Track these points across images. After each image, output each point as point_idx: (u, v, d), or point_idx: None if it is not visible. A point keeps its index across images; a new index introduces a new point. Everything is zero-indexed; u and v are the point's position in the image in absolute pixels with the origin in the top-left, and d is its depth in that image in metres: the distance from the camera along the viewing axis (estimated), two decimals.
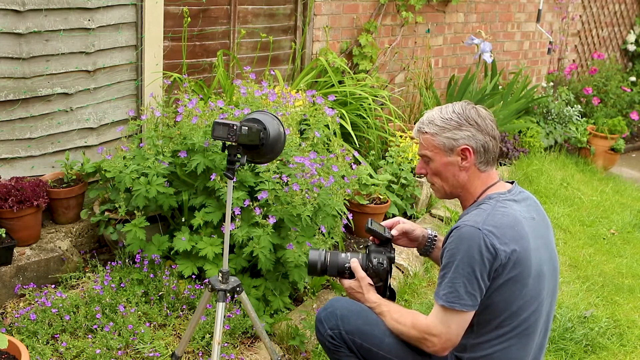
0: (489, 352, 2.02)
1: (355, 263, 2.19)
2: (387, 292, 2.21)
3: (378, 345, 2.11)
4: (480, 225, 1.94)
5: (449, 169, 2.10)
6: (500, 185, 2.12)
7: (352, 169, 3.42)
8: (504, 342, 2.02)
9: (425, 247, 2.36)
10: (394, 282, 3.54)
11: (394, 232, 2.29)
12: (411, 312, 2.13)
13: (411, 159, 4.36)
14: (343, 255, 2.23)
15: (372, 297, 2.16)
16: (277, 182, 2.94)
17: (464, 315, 1.96)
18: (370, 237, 2.26)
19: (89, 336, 2.76)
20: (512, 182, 2.16)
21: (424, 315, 2.06)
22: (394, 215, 4.24)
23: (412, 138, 4.61)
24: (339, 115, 3.97)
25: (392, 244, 2.26)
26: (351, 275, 2.20)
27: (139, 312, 2.90)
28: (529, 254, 1.98)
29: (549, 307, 2.11)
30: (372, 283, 2.17)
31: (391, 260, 2.19)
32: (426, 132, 2.11)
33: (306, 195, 2.91)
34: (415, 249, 2.44)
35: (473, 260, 1.91)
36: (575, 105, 6.68)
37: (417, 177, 4.41)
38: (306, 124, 3.41)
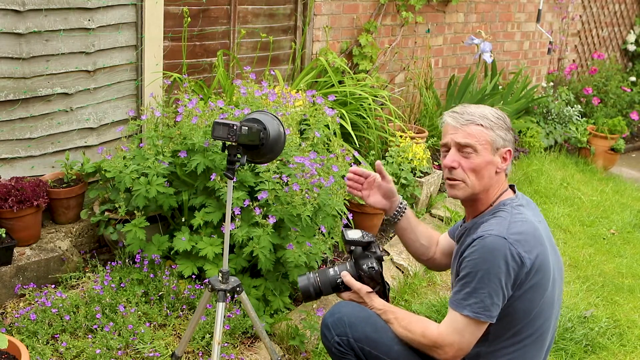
0: (505, 359, 2.02)
1: (347, 276, 2.13)
2: (386, 291, 2.20)
3: (387, 353, 2.08)
4: (505, 234, 1.91)
5: (489, 168, 2.04)
6: (509, 191, 2.12)
7: None
8: (519, 350, 2.01)
9: (394, 214, 2.32)
10: (394, 282, 3.54)
11: (356, 169, 2.26)
12: (420, 320, 2.10)
13: (411, 159, 4.36)
14: (331, 271, 2.17)
15: (376, 304, 2.12)
16: (277, 182, 2.94)
17: (482, 326, 1.95)
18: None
19: (89, 336, 2.76)
20: (512, 186, 2.15)
21: (435, 324, 2.03)
22: None
23: (412, 138, 4.62)
24: (339, 115, 3.96)
25: (375, 242, 2.20)
26: (346, 288, 2.15)
27: (139, 312, 2.90)
28: (548, 258, 1.98)
29: (558, 308, 2.11)
30: (370, 290, 2.13)
31: (380, 260, 2.15)
32: (481, 124, 2.01)
33: (306, 195, 2.91)
34: (384, 216, 2.39)
35: (499, 270, 1.88)
36: (575, 105, 6.68)
37: (418, 177, 4.41)
38: (306, 124, 3.41)
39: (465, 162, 2.03)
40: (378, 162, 2.30)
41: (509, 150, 2.06)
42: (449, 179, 2.08)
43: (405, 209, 2.34)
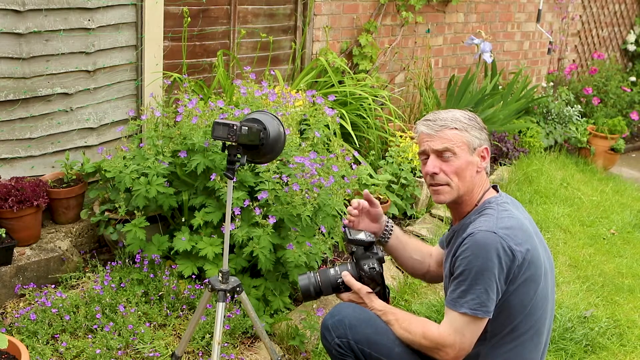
0: (504, 357, 2.02)
1: (347, 276, 2.14)
2: (386, 293, 2.20)
3: (388, 355, 2.07)
4: (494, 229, 1.93)
5: (470, 168, 2.06)
6: (491, 190, 2.15)
7: (352, 169, 3.42)
8: (518, 346, 2.01)
9: (383, 234, 2.35)
10: (394, 282, 3.54)
11: (354, 203, 2.27)
12: (421, 321, 2.10)
13: (411, 159, 4.36)
14: (332, 271, 2.17)
15: (376, 305, 2.13)
16: (277, 182, 2.94)
17: (481, 323, 1.95)
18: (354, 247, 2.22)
19: (89, 336, 2.76)
20: (494, 186, 2.17)
21: (435, 324, 2.03)
22: (393, 215, 4.24)
23: (412, 138, 4.62)
24: (339, 115, 3.96)
25: (375, 244, 2.22)
26: (347, 288, 2.16)
27: (139, 312, 2.90)
28: (538, 252, 2.00)
29: (552, 303, 2.12)
30: (370, 290, 2.13)
31: (381, 261, 2.16)
32: (455, 127, 2.05)
33: (306, 195, 2.91)
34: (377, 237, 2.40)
35: (492, 265, 1.90)
36: (575, 105, 6.68)
37: (418, 177, 4.41)
38: (306, 124, 3.41)
39: (446, 166, 2.06)
40: (366, 191, 2.32)
41: (486, 148, 2.10)
42: (433, 185, 2.10)
43: (392, 227, 2.37)
